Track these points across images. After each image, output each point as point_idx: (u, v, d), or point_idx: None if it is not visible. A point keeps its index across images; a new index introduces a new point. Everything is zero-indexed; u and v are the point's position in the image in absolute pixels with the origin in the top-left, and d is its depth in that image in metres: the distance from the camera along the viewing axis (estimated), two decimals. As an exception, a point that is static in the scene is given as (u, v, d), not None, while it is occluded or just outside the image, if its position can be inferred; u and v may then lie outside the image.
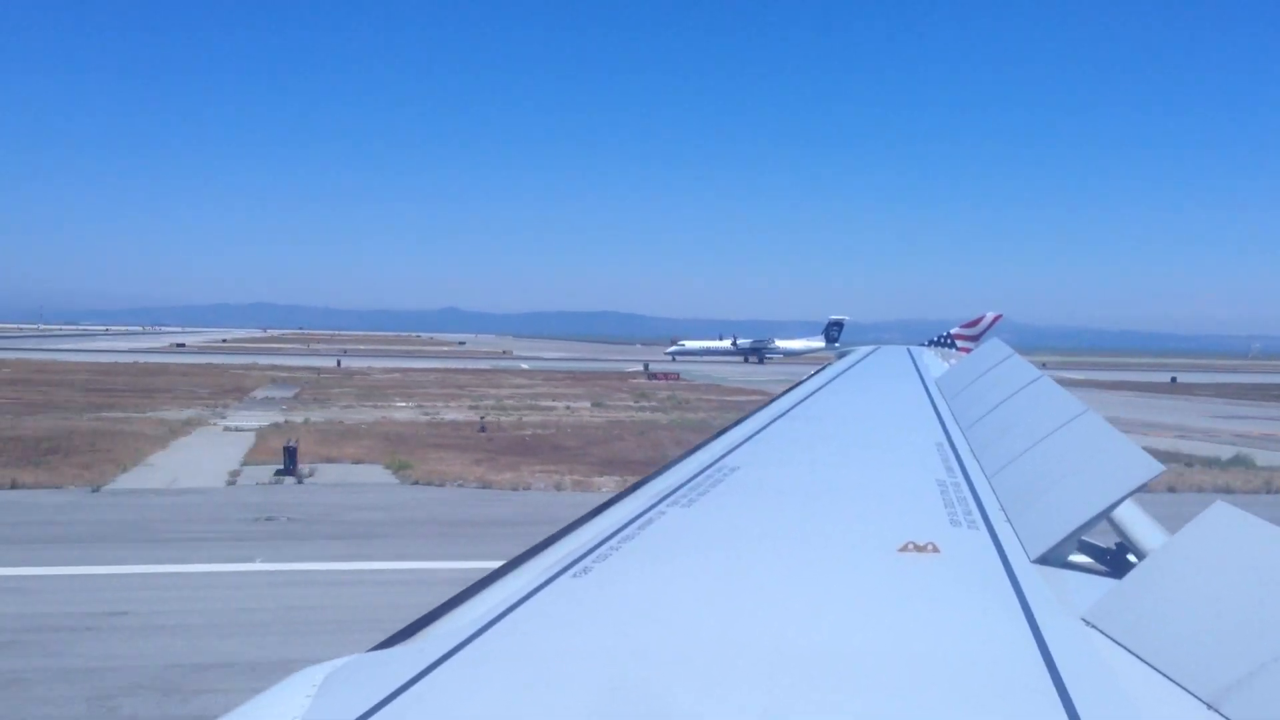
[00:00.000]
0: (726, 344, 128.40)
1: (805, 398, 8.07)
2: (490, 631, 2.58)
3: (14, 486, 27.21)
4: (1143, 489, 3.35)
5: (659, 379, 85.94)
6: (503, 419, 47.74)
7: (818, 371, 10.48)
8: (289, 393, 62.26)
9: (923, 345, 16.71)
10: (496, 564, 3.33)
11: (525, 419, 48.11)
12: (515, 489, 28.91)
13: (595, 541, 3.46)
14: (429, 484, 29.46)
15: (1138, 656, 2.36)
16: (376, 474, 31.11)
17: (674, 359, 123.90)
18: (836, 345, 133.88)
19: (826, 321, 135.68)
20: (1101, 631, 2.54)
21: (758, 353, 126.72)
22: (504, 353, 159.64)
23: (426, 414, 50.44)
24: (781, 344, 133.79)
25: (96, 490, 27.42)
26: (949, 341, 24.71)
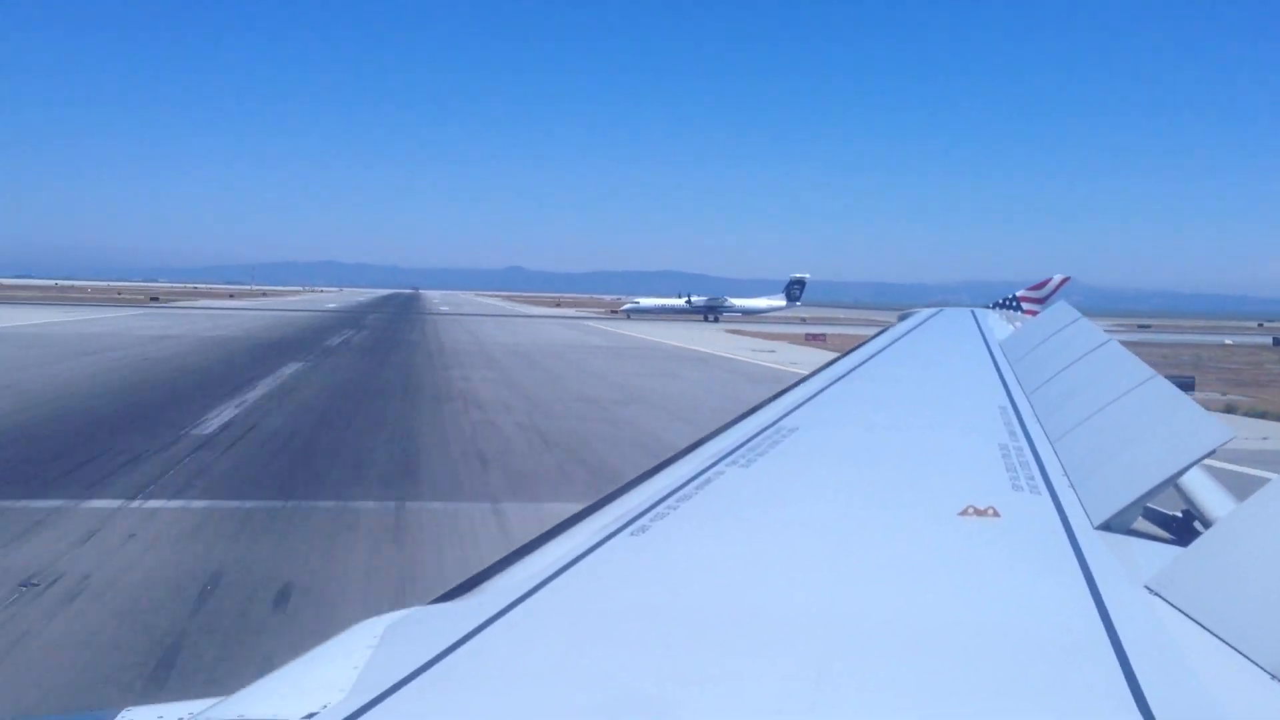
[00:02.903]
0: (681, 302, 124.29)
1: (866, 359, 7.91)
2: (547, 588, 2.58)
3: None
4: (1211, 456, 3.26)
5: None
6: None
7: (879, 333, 10.31)
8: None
9: (988, 308, 15.89)
10: None
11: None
12: None
13: (653, 500, 3.45)
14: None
15: (1201, 625, 2.31)
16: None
17: (628, 316, 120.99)
18: (798, 303, 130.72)
19: (788, 279, 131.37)
20: (1165, 599, 2.48)
21: (713, 310, 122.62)
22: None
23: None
24: (739, 302, 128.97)
25: None
26: (1014, 304, 24.20)
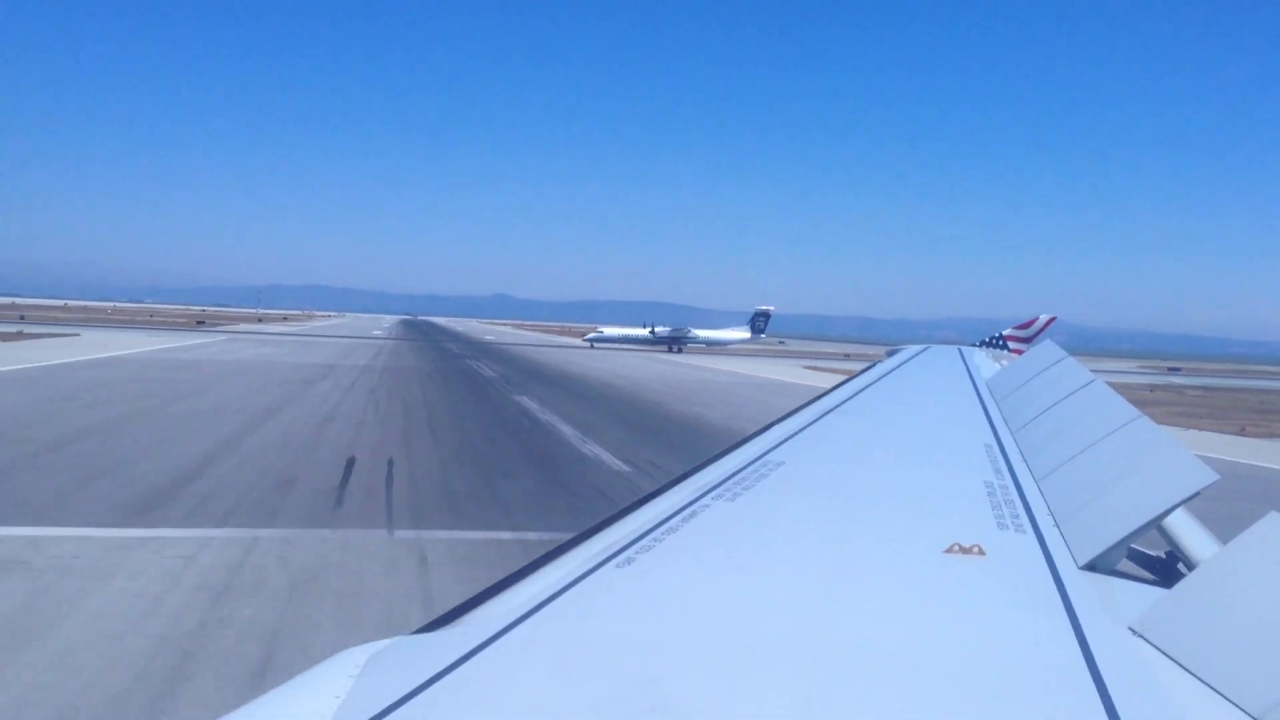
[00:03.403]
0: (645, 332, 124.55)
1: (853, 394, 8.00)
2: (532, 618, 2.58)
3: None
4: (1195, 498, 3.29)
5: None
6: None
7: (866, 369, 10.47)
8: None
9: (974, 345, 16.17)
10: None
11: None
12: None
13: (640, 532, 3.46)
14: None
15: (1185, 668, 2.32)
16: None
17: (592, 345, 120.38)
18: (762, 336, 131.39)
19: (753, 312, 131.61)
20: (1149, 641, 2.49)
21: (676, 341, 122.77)
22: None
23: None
24: (703, 334, 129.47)
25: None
26: (1001, 343, 24.38)
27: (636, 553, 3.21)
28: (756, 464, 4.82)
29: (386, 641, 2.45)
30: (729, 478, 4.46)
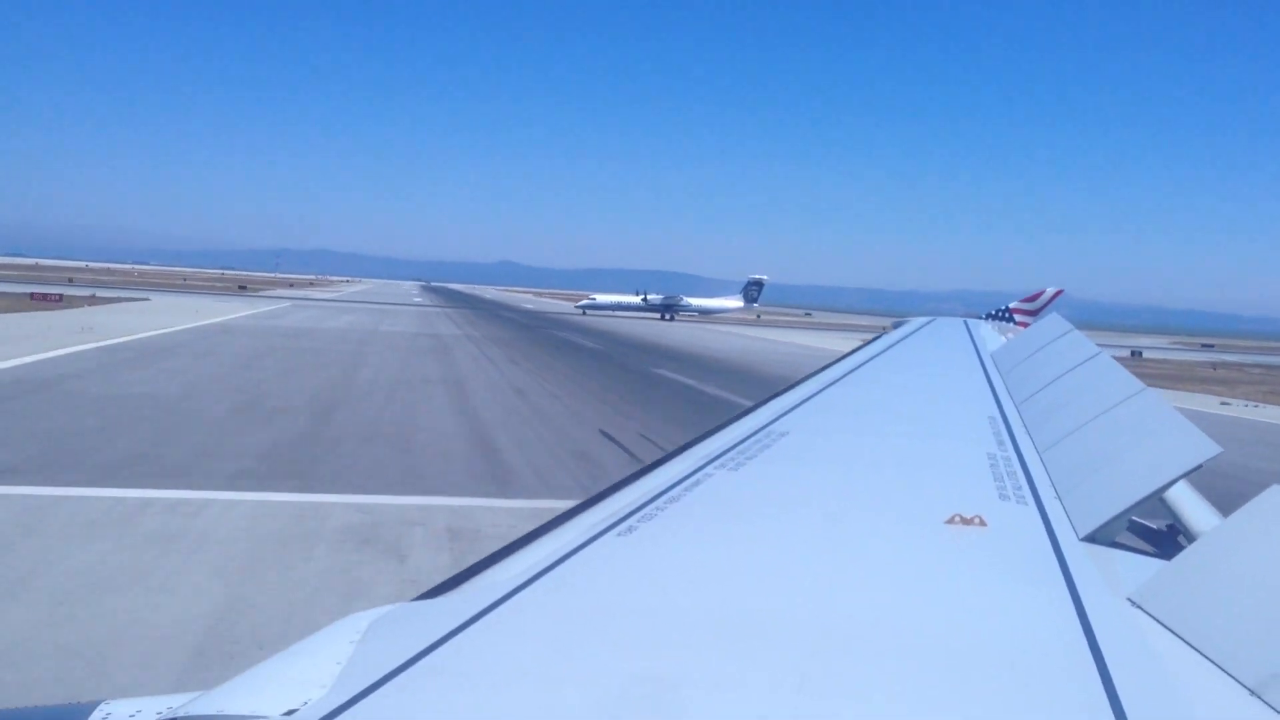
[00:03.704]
0: (638, 300, 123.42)
1: (858, 366, 7.97)
2: (533, 586, 2.58)
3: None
4: (1197, 470, 3.27)
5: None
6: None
7: (872, 340, 10.35)
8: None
9: (981, 318, 16.14)
10: None
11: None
12: None
13: (641, 501, 3.45)
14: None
15: (1183, 639, 2.32)
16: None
17: (584, 312, 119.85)
18: (755, 304, 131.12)
19: (746, 280, 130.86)
20: (1147, 613, 2.50)
21: (669, 309, 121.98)
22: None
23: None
24: (696, 302, 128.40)
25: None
26: (1007, 316, 24.03)
27: (638, 522, 3.21)
28: (760, 434, 4.82)
29: (388, 608, 2.46)
30: (732, 447, 4.46)
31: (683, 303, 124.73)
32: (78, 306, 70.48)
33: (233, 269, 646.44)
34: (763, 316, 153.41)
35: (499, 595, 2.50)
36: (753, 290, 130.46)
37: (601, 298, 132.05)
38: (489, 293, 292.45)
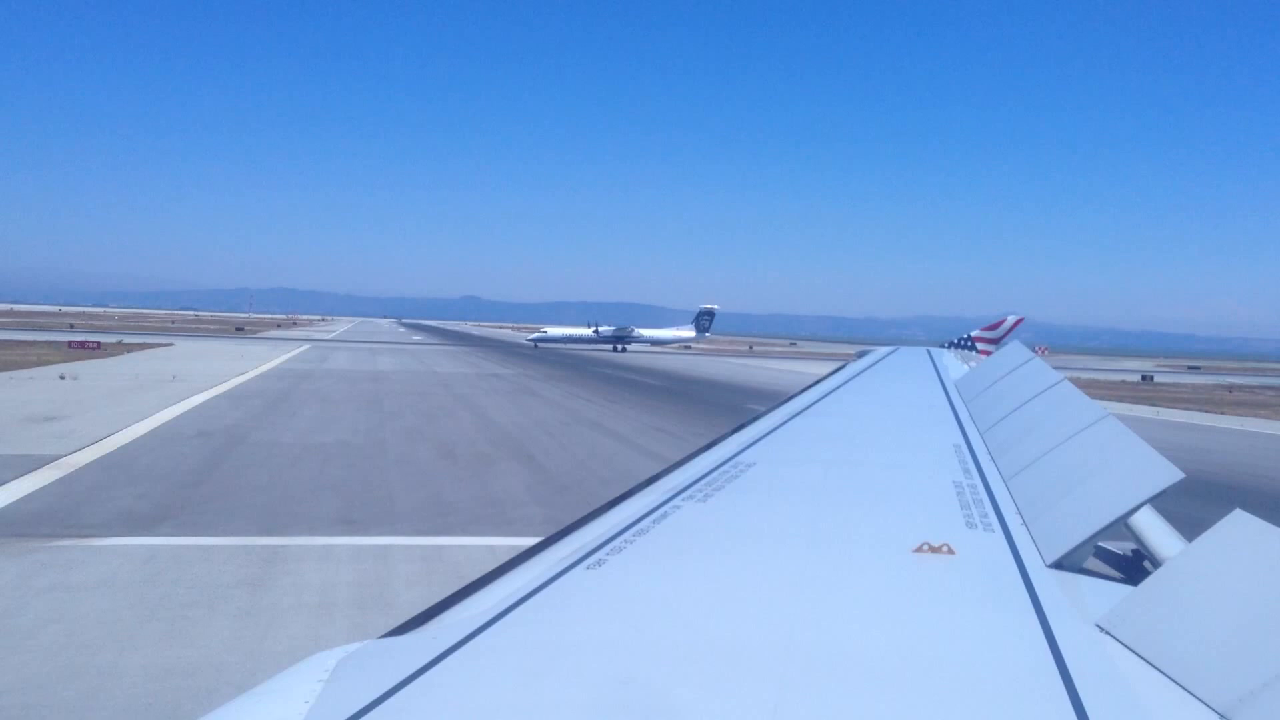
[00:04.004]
0: (589, 331, 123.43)
1: (823, 396, 8.06)
2: (502, 621, 2.57)
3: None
4: (1161, 495, 3.31)
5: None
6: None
7: (836, 370, 10.53)
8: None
9: (943, 347, 16.43)
10: None
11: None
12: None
13: (610, 534, 3.45)
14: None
15: (1151, 664, 2.34)
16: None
17: (536, 345, 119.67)
18: (707, 334, 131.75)
19: (697, 310, 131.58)
20: (1115, 638, 2.51)
21: (621, 341, 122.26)
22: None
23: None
24: (648, 333, 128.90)
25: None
26: (969, 344, 24.53)
27: (607, 554, 3.20)
28: (727, 465, 4.85)
29: (356, 645, 2.44)
30: (700, 479, 4.48)
31: (634, 334, 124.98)
32: (118, 354, 70.39)
33: (193, 309, 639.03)
34: (755, 348, 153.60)
35: (467, 631, 2.48)
36: (704, 320, 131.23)
37: (553, 330, 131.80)
38: (469, 328, 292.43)
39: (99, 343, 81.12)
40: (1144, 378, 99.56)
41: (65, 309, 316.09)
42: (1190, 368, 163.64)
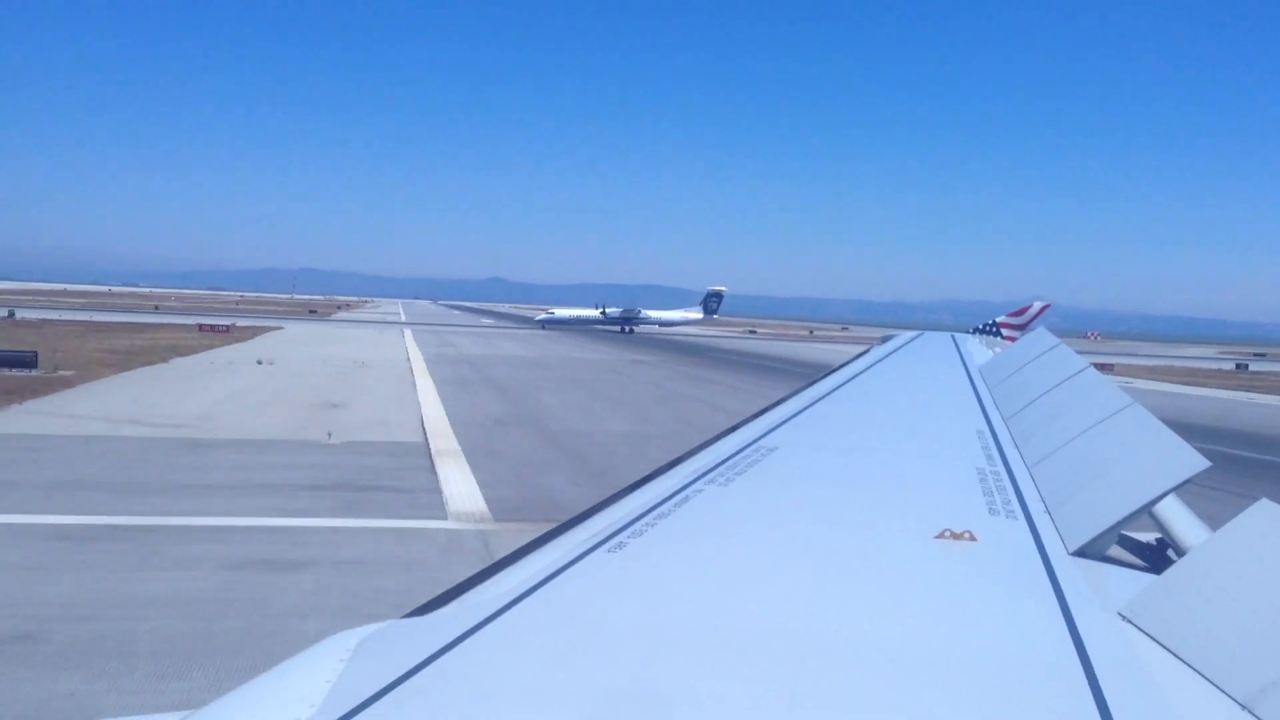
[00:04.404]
0: (596, 313, 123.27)
1: (846, 381, 8.00)
2: (524, 603, 2.57)
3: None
4: (1186, 484, 3.30)
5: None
6: None
7: (860, 355, 10.44)
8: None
9: (968, 333, 16.25)
10: None
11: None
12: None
13: (632, 516, 3.45)
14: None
15: (1173, 653, 2.33)
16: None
17: (544, 326, 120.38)
18: (715, 316, 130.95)
19: (705, 292, 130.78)
20: (1137, 627, 2.51)
21: (628, 322, 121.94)
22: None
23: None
24: (655, 314, 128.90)
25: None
26: (995, 329, 24.23)
27: (629, 538, 3.20)
28: (750, 449, 4.83)
29: (377, 625, 2.44)
30: (722, 462, 4.46)
31: (641, 315, 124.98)
32: (247, 338, 72.07)
33: (221, 289, 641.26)
34: (815, 332, 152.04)
35: (488, 612, 2.49)
36: (712, 302, 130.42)
37: (561, 311, 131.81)
38: (507, 309, 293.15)
39: (228, 326, 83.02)
40: (1238, 366, 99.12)
41: (113, 289, 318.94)
42: (1255, 355, 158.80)
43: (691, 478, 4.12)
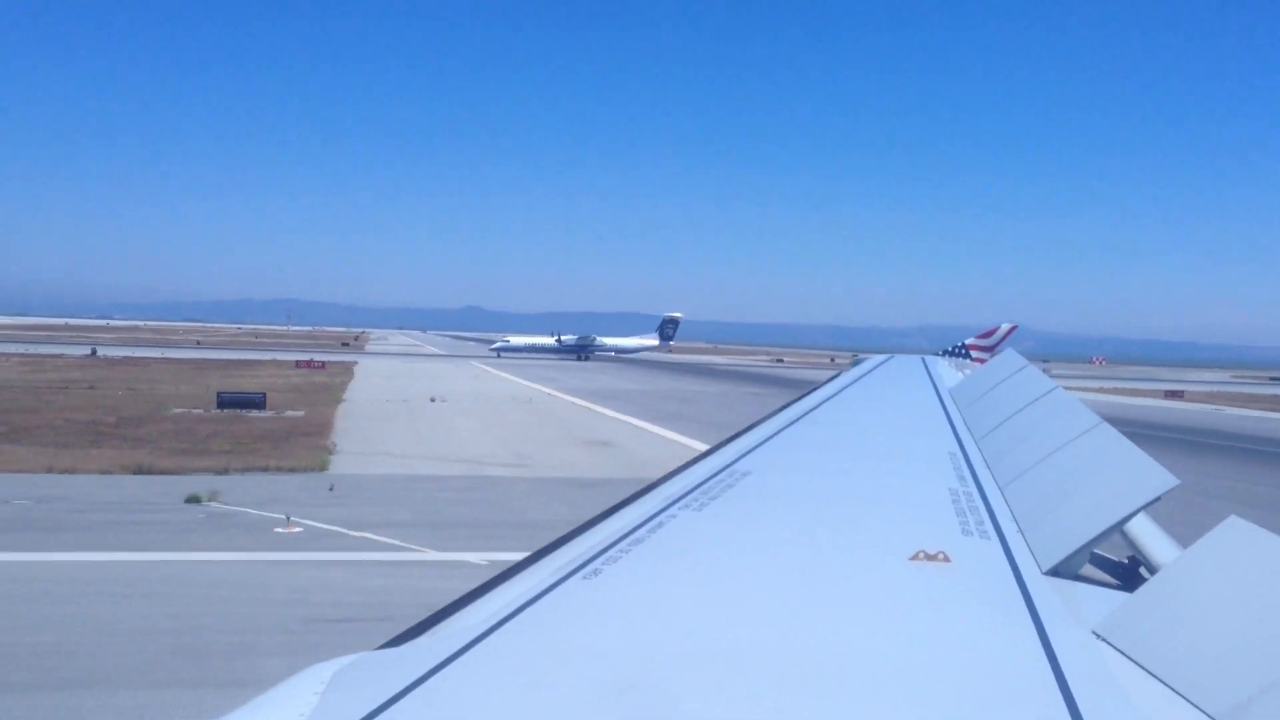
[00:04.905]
0: (552, 341, 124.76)
1: (818, 404, 8.06)
2: (499, 631, 2.56)
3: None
4: (1156, 502, 3.32)
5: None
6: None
7: (831, 379, 10.55)
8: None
9: (936, 355, 16.38)
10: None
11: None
12: None
13: (606, 543, 3.46)
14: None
15: (1148, 671, 2.34)
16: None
17: (499, 355, 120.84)
18: (670, 343, 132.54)
19: (661, 318, 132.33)
20: (1112, 645, 2.51)
21: (584, 350, 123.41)
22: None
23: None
24: (611, 341, 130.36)
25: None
26: (964, 352, 24.53)
27: (603, 564, 3.19)
28: (723, 474, 4.84)
29: (352, 657, 2.42)
30: (696, 487, 4.47)
31: (596, 343, 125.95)
32: (342, 374, 73.11)
33: (198, 321, 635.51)
34: (835, 359, 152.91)
35: (464, 642, 2.47)
36: (668, 328, 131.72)
37: (516, 339, 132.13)
38: (502, 339, 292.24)
39: (324, 362, 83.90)
40: (1273, 379, 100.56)
41: (113, 323, 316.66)
42: (1271, 379, 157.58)
43: (666, 503, 4.13)
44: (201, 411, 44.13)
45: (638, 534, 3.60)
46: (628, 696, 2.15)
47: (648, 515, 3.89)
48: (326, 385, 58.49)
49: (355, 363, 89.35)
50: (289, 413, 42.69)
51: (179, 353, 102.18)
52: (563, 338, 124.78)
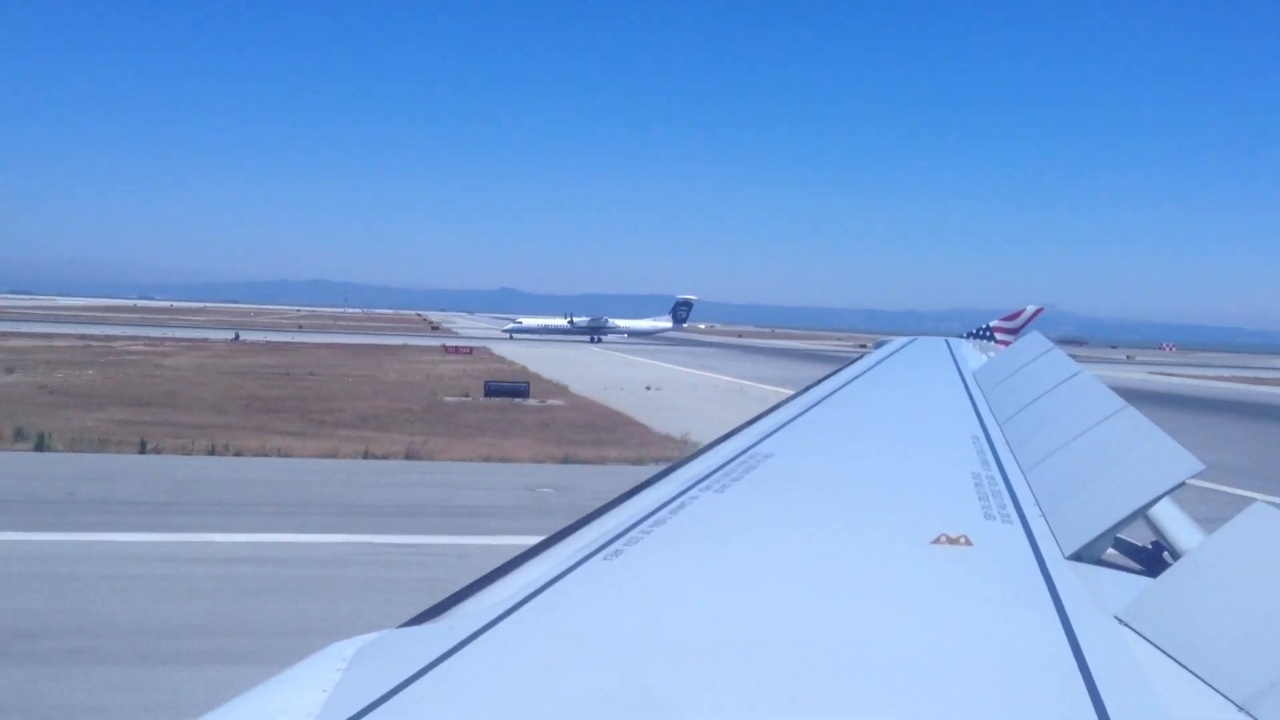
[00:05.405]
0: (564, 322, 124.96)
1: (840, 386, 8.04)
2: (520, 611, 2.58)
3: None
4: (1181, 487, 3.30)
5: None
6: None
7: (854, 361, 10.50)
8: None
9: (961, 337, 16.25)
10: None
11: None
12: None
13: (627, 525, 3.46)
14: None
15: (1170, 656, 2.33)
16: None
17: (511, 336, 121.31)
18: (684, 325, 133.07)
19: (675, 300, 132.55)
20: (1134, 630, 2.50)
21: (596, 331, 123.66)
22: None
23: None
24: (624, 323, 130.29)
25: None
26: (988, 334, 24.34)
27: (624, 545, 3.20)
28: (745, 456, 4.82)
29: (374, 635, 2.45)
30: (717, 469, 4.47)
31: (609, 325, 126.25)
32: (483, 360, 74.09)
33: (237, 302, 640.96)
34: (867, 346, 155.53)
35: (485, 621, 2.50)
36: (681, 311, 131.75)
37: (528, 321, 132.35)
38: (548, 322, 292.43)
39: (470, 348, 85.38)
40: None
41: (176, 304, 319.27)
42: None
43: (687, 485, 4.13)
44: (472, 399, 44.11)
45: (659, 515, 3.62)
46: (646, 679, 2.17)
47: (669, 497, 3.92)
48: (523, 373, 58.52)
49: (488, 350, 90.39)
50: (551, 401, 43.42)
51: (310, 337, 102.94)
52: (575, 319, 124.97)
